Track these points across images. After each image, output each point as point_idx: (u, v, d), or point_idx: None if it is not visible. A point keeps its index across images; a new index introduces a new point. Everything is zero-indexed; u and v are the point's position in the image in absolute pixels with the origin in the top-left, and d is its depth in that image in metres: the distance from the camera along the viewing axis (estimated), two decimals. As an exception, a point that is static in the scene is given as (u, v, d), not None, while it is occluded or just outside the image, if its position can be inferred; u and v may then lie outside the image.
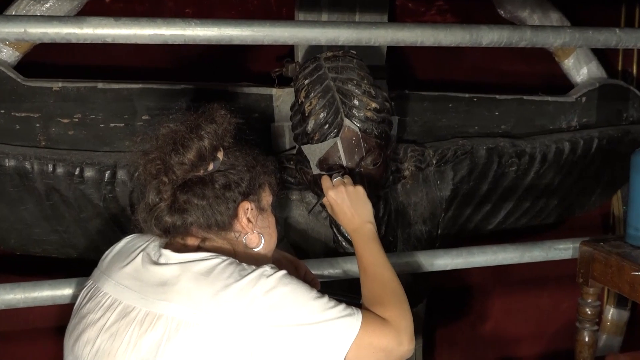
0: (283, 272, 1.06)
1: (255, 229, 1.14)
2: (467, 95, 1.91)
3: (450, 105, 1.90)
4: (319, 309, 1.03)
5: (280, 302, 1.01)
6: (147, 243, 1.14)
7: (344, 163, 1.45)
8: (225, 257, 1.07)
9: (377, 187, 1.54)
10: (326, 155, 1.46)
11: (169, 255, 1.08)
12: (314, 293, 1.05)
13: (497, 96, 1.94)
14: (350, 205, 1.29)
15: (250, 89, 1.74)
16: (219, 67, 1.92)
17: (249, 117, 1.68)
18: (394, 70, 1.91)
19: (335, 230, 1.61)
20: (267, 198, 1.18)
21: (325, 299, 1.05)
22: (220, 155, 1.11)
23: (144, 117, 1.67)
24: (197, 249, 1.11)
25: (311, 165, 1.50)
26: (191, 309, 1.00)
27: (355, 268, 1.48)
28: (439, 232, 1.84)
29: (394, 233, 1.67)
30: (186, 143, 1.08)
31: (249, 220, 1.13)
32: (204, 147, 1.09)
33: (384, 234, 1.63)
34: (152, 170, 1.10)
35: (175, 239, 1.12)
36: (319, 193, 1.54)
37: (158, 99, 1.67)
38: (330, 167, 1.46)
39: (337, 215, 1.31)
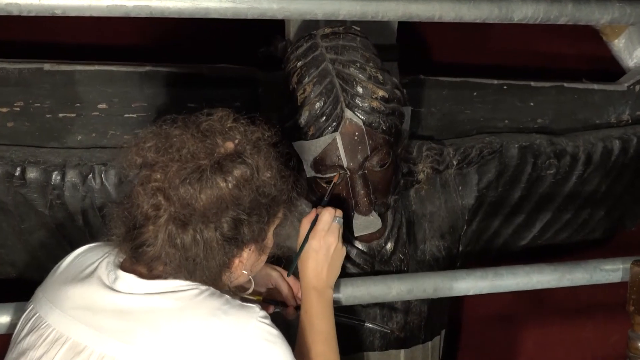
0: (277, 331, 1.08)
1: (245, 269, 1.17)
2: (495, 81, 1.92)
3: (475, 93, 1.90)
4: None
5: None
6: (100, 260, 1.13)
7: (345, 164, 1.46)
8: (204, 287, 1.08)
9: (385, 194, 1.54)
10: (323, 154, 1.46)
11: (131, 281, 1.08)
12: None
13: (532, 83, 1.95)
14: (328, 262, 1.33)
15: (230, 72, 1.74)
16: (192, 46, 1.92)
17: (228, 106, 1.68)
18: (407, 51, 1.91)
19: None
20: (271, 236, 1.20)
21: None
22: (242, 205, 1.08)
23: (100, 106, 1.67)
24: (167, 275, 1.10)
25: (305, 166, 1.50)
26: (156, 353, 1.00)
27: (358, 293, 1.50)
28: (461, 248, 1.84)
29: (404, 250, 1.67)
30: (204, 183, 1.05)
31: (241, 262, 1.15)
32: (224, 199, 1.06)
33: (392, 250, 1.63)
34: (150, 187, 1.07)
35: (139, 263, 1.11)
36: (314, 200, 1.54)
37: (118, 84, 1.67)
38: (327, 169, 1.47)
39: (307, 260, 1.33)
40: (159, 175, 1.06)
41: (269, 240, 1.20)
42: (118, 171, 1.56)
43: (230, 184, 1.06)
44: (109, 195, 1.57)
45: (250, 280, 1.20)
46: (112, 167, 1.57)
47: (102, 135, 1.68)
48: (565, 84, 1.97)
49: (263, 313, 1.08)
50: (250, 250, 1.15)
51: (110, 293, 1.07)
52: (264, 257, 1.22)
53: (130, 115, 1.69)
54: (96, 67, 1.67)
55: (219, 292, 1.09)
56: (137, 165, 1.10)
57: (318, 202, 1.47)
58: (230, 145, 1.10)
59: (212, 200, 1.06)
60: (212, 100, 1.69)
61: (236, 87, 1.74)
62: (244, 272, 1.17)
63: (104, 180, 1.57)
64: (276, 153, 1.15)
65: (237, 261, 1.14)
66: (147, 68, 1.69)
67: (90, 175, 1.57)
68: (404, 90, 1.56)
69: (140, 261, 1.09)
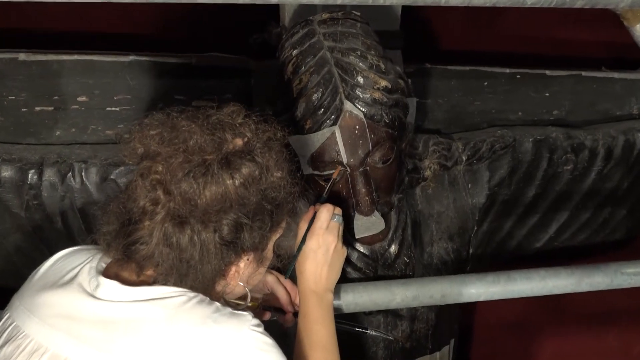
0: (270, 339, 1.08)
1: (241, 281, 1.17)
2: (507, 70, 1.92)
3: (486, 83, 1.91)
4: None
5: None
6: (81, 265, 1.14)
7: (345, 160, 1.46)
8: (192, 294, 1.08)
9: (389, 192, 1.55)
10: (321, 150, 1.47)
11: (113, 289, 1.08)
12: None
13: (548, 72, 1.95)
14: (327, 263, 1.33)
15: (221, 62, 1.75)
16: (180, 33, 1.92)
17: (219, 98, 1.69)
18: (412, 38, 1.91)
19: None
20: (272, 248, 1.21)
21: None
22: (246, 206, 1.09)
23: (80, 99, 1.67)
24: (155, 280, 1.10)
25: (301, 163, 1.50)
26: None
27: (359, 300, 1.50)
28: (471, 251, 1.85)
29: (410, 253, 1.68)
30: (209, 178, 1.06)
31: (237, 272, 1.15)
32: (229, 197, 1.06)
33: (397, 254, 1.63)
34: (150, 179, 1.07)
35: (129, 264, 1.11)
36: (313, 200, 1.54)
37: (99, 75, 1.67)
38: (326, 165, 1.47)
39: (305, 261, 1.33)
40: (160, 168, 1.07)
41: (269, 252, 1.20)
42: (100, 169, 1.57)
43: (237, 182, 1.07)
44: (89, 195, 1.58)
45: (246, 292, 1.21)
46: (93, 165, 1.58)
47: (82, 131, 1.68)
48: (583, 73, 1.98)
49: (256, 321, 1.09)
50: (248, 259, 1.15)
51: (91, 301, 1.07)
52: (263, 270, 1.22)
53: (113, 108, 1.69)
54: (75, 57, 1.67)
55: (208, 299, 1.09)
56: (138, 156, 1.10)
57: (316, 202, 1.48)
58: (239, 141, 1.10)
59: (216, 198, 1.06)
60: (201, 92, 1.70)
61: (227, 77, 1.75)
62: (240, 283, 1.17)
63: (84, 178, 1.58)
64: (288, 155, 1.16)
65: (233, 269, 1.14)
66: (131, 57, 1.69)
67: (70, 173, 1.57)
68: (409, 80, 1.57)
69: (131, 260, 1.09)
